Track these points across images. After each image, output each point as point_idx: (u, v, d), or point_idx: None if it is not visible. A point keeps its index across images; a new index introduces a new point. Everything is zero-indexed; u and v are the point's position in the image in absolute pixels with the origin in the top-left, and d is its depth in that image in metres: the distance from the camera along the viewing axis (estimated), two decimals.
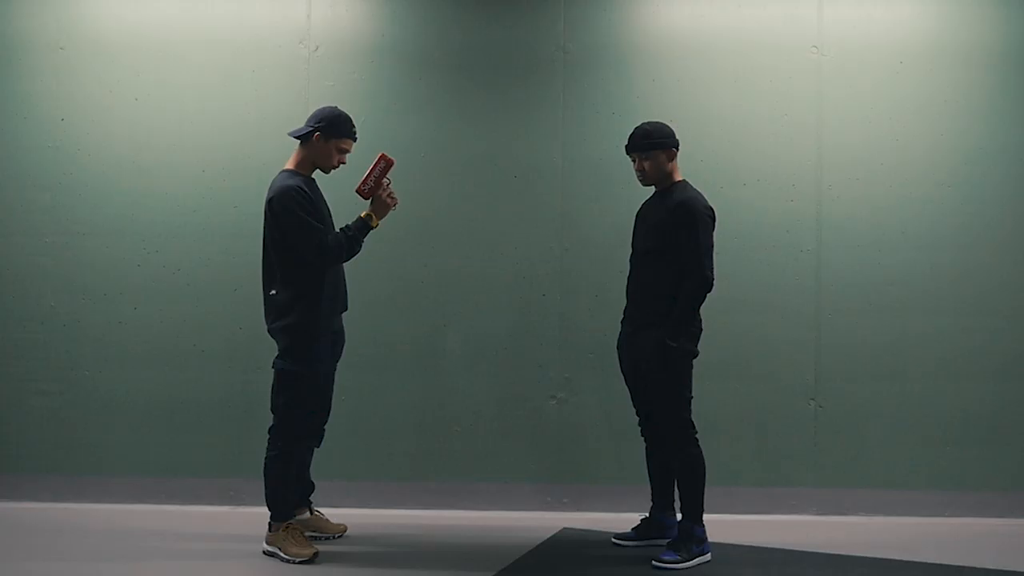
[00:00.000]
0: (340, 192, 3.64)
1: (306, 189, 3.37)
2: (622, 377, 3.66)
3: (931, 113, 4.13)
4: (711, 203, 3.47)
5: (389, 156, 3.41)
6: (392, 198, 3.44)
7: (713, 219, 3.44)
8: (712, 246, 3.40)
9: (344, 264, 3.53)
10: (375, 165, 3.39)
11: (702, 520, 3.43)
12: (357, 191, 3.40)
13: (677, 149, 3.52)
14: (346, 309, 3.63)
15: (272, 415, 3.43)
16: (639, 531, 3.65)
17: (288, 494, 3.46)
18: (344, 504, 4.05)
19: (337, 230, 3.42)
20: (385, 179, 3.41)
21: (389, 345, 4.13)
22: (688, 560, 3.35)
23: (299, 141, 3.49)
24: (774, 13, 4.16)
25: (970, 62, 4.14)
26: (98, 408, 4.14)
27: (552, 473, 4.12)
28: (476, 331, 4.14)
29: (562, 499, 4.12)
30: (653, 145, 3.47)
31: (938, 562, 3.43)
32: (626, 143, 3.54)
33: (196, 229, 4.15)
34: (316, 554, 3.38)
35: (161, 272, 4.15)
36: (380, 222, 3.45)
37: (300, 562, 3.34)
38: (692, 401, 3.43)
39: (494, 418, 4.12)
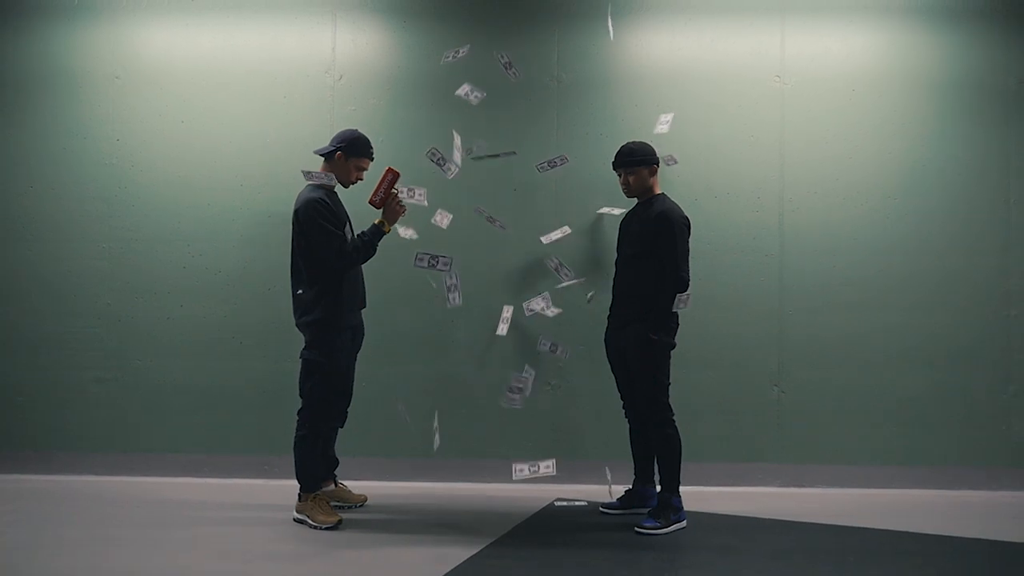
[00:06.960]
0: (359, 203, 3.63)
1: (328, 200, 3.36)
2: (609, 366, 3.65)
3: (880, 134, 4.13)
4: (687, 213, 3.47)
5: (395, 169, 3.39)
6: (401, 206, 3.42)
7: (689, 227, 3.43)
8: (688, 251, 3.39)
9: (362, 266, 3.52)
10: (384, 178, 3.37)
11: (679, 491, 3.42)
12: (369, 202, 3.38)
13: (658, 165, 3.51)
14: (365, 306, 3.62)
15: (300, 399, 3.43)
16: (623, 501, 3.65)
17: (315, 469, 3.45)
18: (364, 477, 4.05)
19: (355, 236, 3.41)
20: (393, 189, 3.39)
21: (403, 338, 4.12)
22: (667, 526, 3.35)
23: (323, 158, 3.48)
24: (742, 47, 4.16)
25: (915, 90, 4.13)
26: (149, 393, 4.14)
27: (546, 450, 4.10)
28: (480, 325, 4.12)
29: (555, 473, 4.09)
30: (637, 162, 3.46)
31: (886, 528, 3.42)
32: (613, 160, 3.53)
33: (234, 236, 4.15)
34: (340, 521, 3.38)
35: (204, 274, 4.15)
36: (392, 228, 3.44)
37: (326, 528, 3.34)
38: (670, 387, 3.42)
39: (495, 402, 4.10)
